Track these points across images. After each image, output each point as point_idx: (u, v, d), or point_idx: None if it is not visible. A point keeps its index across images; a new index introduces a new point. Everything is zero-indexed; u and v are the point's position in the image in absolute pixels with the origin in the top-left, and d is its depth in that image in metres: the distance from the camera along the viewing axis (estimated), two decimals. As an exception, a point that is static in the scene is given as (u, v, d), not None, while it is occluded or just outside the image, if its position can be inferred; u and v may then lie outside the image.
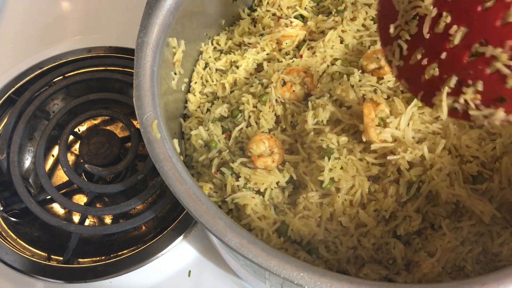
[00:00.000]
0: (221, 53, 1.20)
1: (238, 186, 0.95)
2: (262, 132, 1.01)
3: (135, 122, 1.29)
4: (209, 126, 1.04)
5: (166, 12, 0.96)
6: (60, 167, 1.28)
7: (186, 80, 1.14)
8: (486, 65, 0.66)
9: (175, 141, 0.93)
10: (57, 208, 1.29)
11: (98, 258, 1.18)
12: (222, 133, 1.04)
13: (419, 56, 0.72)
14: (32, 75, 1.39)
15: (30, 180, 1.31)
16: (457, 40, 0.68)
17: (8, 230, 1.21)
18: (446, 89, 0.71)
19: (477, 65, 0.67)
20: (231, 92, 1.12)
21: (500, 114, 0.67)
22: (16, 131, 1.26)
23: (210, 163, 1.00)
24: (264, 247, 0.73)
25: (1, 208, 1.23)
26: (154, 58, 0.92)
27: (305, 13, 1.19)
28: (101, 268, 1.13)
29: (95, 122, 1.40)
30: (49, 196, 1.20)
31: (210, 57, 1.17)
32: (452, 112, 0.72)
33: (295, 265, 0.72)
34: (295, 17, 1.17)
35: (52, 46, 1.45)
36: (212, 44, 1.21)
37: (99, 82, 1.38)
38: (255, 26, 1.21)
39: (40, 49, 1.44)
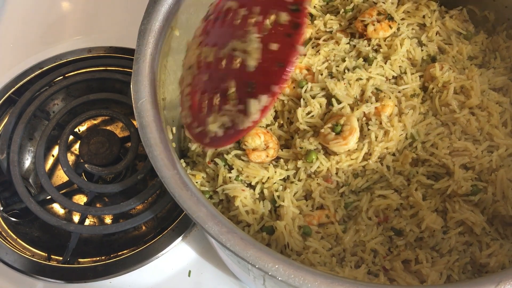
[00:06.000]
0: None
1: (230, 177, 0.99)
2: (259, 126, 1.04)
3: (135, 122, 1.29)
4: None
5: (172, 0, 0.98)
6: (60, 167, 1.30)
7: None
8: (231, 61, 0.77)
9: (169, 127, 0.96)
10: (57, 208, 1.30)
11: (98, 258, 1.19)
12: None
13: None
14: (32, 75, 1.41)
15: (30, 180, 1.32)
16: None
17: (8, 230, 1.23)
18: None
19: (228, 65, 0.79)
20: None
21: (251, 102, 0.75)
22: (16, 131, 1.28)
23: (203, 151, 1.05)
24: (243, 236, 0.76)
25: (1, 208, 1.25)
26: (156, 45, 0.95)
27: (313, 11, 1.23)
28: (101, 268, 1.14)
29: (95, 122, 1.41)
30: (49, 196, 1.22)
31: None
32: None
33: (272, 256, 0.74)
34: None
35: (52, 46, 1.47)
36: None
37: (99, 82, 1.40)
38: None
39: (40, 49, 1.47)
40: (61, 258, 1.18)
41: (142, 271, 1.16)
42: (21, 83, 1.40)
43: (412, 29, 1.16)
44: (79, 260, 1.20)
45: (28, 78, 1.40)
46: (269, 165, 1.00)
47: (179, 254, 1.18)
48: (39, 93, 1.37)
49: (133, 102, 0.88)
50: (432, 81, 1.06)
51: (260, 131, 1.01)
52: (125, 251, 1.20)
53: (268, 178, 0.99)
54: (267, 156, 1.00)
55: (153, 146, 0.84)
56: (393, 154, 1.01)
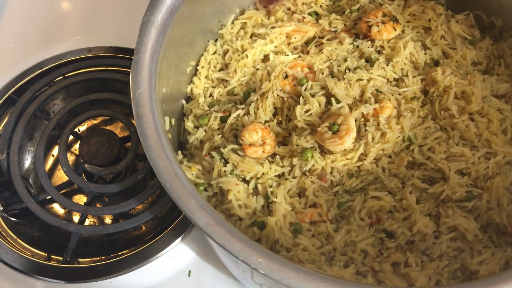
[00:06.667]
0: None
1: (225, 171, 1.00)
2: (258, 122, 1.06)
3: (135, 122, 1.29)
4: (204, 106, 1.11)
5: None
6: (60, 167, 1.31)
7: (193, 63, 1.19)
8: None
9: (166, 118, 0.97)
10: (57, 208, 1.31)
11: (98, 258, 1.20)
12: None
13: None
14: (32, 75, 1.42)
15: (30, 180, 1.33)
16: None
17: (8, 230, 1.23)
18: None
19: None
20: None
21: None
22: (16, 131, 1.28)
23: (201, 144, 1.07)
24: (230, 229, 0.77)
25: (1, 208, 1.25)
26: (158, 37, 0.96)
27: (320, 10, 1.24)
28: (101, 268, 1.15)
29: (95, 122, 1.42)
30: (49, 196, 1.22)
31: (231, 33, 1.22)
32: None
33: (256, 250, 0.75)
34: (309, 14, 1.23)
35: (52, 46, 1.48)
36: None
37: (99, 82, 1.41)
38: (268, 19, 1.25)
39: (40, 49, 1.48)
40: (61, 258, 1.19)
41: (142, 271, 1.16)
42: (21, 83, 1.40)
43: (417, 32, 1.16)
44: (79, 260, 1.21)
45: (28, 78, 1.41)
46: (264, 161, 1.01)
47: (179, 254, 1.19)
48: (39, 93, 1.37)
49: (131, 92, 0.89)
50: (433, 85, 1.06)
51: (258, 127, 1.02)
52: (125, 251, 1.20)
53: (263, 173, 1.00)
54: (263, 152, 1.01)
55: (148, 136, 0.85)
56: (389, 156, 1.01)
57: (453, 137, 1.00)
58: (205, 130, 1.09)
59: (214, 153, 1.02)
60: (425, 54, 1.12)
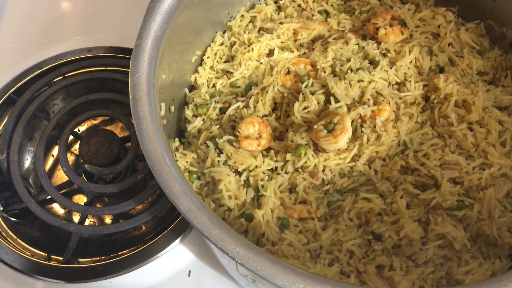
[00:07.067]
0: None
1: (218, 161, 1.01)
2: (256, 115, 1.07)
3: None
4: (206, 96, 1.12)
5: None
6: (60, 167, 1.31)
7: (199, 53, 1.20)
8: None
9: (163, 104, 0.98)
10: (57, 208, 1.31)
11: (98, 258, 1.20)
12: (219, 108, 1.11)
13: None
14: (32, 75, 1.42)
15: (30, 180, 1.33)
16: None
17: (8, 230, 1.24)
18: None
19: None
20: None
21: None
22: (16, 131, 1.28)
23: (198, 133, 1.08)
24: (211, 216, 0.78)
25: (1, 208, 1.25)
26: (162, 24, 0.96)
27: (330, 9, 1.25)
28: (101, 268, 1.15)
29: (95, 122, 1.42)
30: (49, 196, 1.23)
31: (239, 25, 1.23)
32: None
33: (235, 239, 0.75)
34: (319, 12, 1.24)
35: (52, 46, 1.49)
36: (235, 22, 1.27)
37: (99, 82, 1.41)
38: (278, 14, 1.26)
39: (40, 49, 1.48)
40: (61, 258, 1.19)
41: (142, 271, 1.17)
42: (21, 83, 1.41)
43: (426, 37, 1.16)
44: (79, 260, 1.21)
45: (28, 78, 1.42)
46: (258, 154, 1.02)
47: (179, 254, 1.19)
48: (39, 93, 1.37)
49: (129, 75, 0.90)
50: (435, 91, 1.05)
51: (256, 120, 1.04)
52: (125, 251, 1.21)
53: (256, 166, 1.00)
54: (258, 145, 1.02)
55: (141, 119, 0.85)
56: (383, 159, 1.01)
57: (450, 145, 1.00)
58: (203, 120, 1.10)
59: (209, 143, 1.03)
60: (431, 60, 1.11)
